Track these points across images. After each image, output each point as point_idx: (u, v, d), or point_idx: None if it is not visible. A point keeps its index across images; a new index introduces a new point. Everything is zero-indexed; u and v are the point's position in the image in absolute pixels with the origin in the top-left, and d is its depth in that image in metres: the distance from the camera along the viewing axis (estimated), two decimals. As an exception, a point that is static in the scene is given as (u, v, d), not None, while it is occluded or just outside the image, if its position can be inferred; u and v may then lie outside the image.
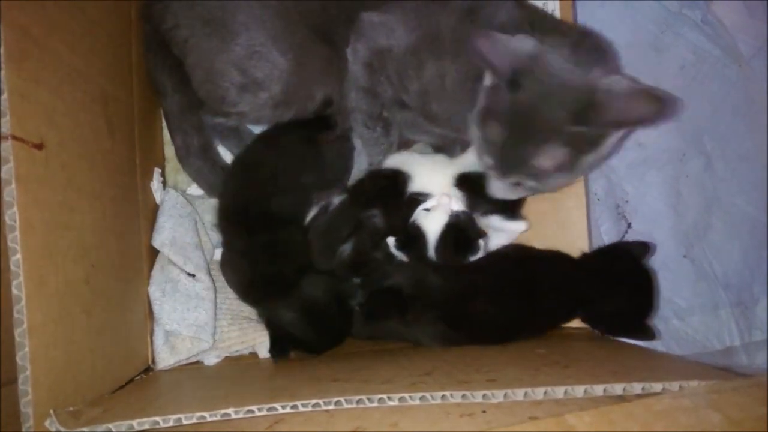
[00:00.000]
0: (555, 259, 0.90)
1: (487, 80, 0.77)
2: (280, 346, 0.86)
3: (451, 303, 0.84)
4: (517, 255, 0.90)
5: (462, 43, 0.81)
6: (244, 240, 0.87)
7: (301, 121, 0.93)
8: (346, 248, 0.89)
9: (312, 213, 0.94)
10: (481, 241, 0.84)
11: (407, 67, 0.85)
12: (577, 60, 0.73)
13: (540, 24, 0.80)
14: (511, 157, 0.75)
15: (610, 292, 0.86)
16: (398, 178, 0.91)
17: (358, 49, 0.88)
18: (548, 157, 0.74)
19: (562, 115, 0.71)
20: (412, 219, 0.87)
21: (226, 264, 0.91)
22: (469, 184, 0.89)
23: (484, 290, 0.84)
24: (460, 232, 0.84)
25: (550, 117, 0.71)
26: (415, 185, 0.90)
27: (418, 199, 0.88)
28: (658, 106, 0.68)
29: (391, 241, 0.88)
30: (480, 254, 0.85)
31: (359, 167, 0.97)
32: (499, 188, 0.82)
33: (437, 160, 0.95)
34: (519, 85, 0.71)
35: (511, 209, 0.89)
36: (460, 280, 0.84)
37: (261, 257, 0.86)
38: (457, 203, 0.85)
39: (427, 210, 0.86)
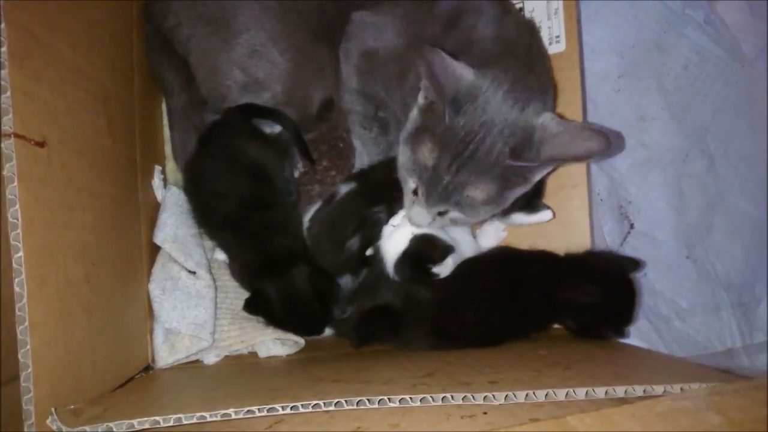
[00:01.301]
0: (540, 260, 0.89)
1: (421, 98, 0.75)
2: (255, 307, 0.86)
3: (442, 315, 0.83)
4: (503, 258, 0.90)
5: None
6: (229, 236, 0.87)
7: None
8: (354, 242, 0.88)
9: (314, 208, 0.94)
10: (436, 269, 0.81)
11: (391, 73, 0.85)
12: (514, 97, 0.72)
13: (489, 53, 0.80)
14: (443, 183, 0.73)
15: (591, 300, 0.84)
16: None
17: (348, 50, 0.88)
18: (481, 190, 0.73)
19: (501, 149, 0.71)
20: (382, 236, 0.85)
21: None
22: None
23: (474, 299, 0.83)
24: (417, 257, 0.81)
25: (488, 149, 0.71)
26: None
27: None
28: (601, 142, 0.68)
29: (370, 251, 0.86)
30: (443, 274, 0.82)
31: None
32: (419, 214, 0.79)
33: None
34: (460, 109, 0.70)
35: (532, 202, 0.88)
36: (450, 291, 0.83)
37: (249, 246, 0.86)
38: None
39: (394, 226, 0.84)
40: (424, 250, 0.81)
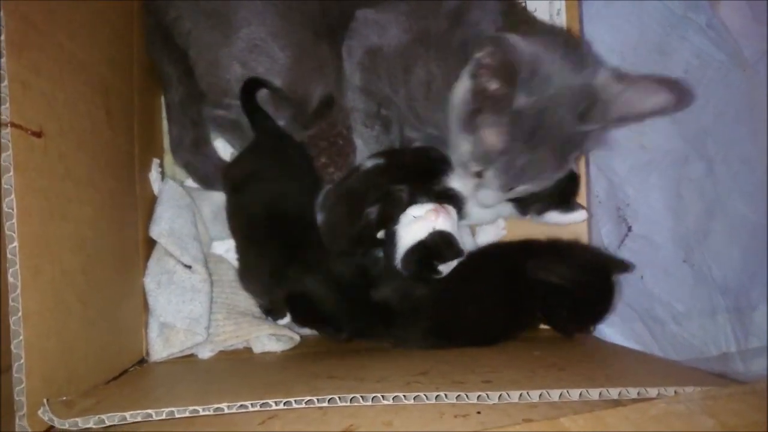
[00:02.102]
0: (526, 247, 0.88)
1: (466, 83, 0.74)
2: (302, 315, 0.83)
3: (439, 314, 0.83)
4: (495, 253, 0.90)
5: (449, 48, 0.81)
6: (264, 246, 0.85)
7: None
8: (373, 211, 0.86)
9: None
10: (442, 267, 0.81)
11: (396, 69, 0.85)
12: (571, 60, 0.71)
13: (531, 26, 0.79)
14: (518, 164, 0.73)
15: (559, 281, 0.82)
16: (442, 164, 0.87)
17: (352, 47, 0.88)
18: (555, 161, 0.73)
19: (570, 117, 0.70)
20: (399, 221, 0.84)
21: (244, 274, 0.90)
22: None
23: (471, 297, 0.83)
24: (429, 253, 0.81)
25: (559, 120, 0.70)
26: (453, 180, 0.87)
27: (448, 194, 0.86)
28: (670, 95, 0.67)
29: (381, 234, 0.86)
30: (441, 275, 0.82)
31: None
32: (489, 196, 0.79)
33: None
34: (526, 87, 0.69)
35: (567, 202, 0.87)
36: (448, 290, 0.83)
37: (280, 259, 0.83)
38: (446, 221, 0.81)
39: (414, 217, 0.83)
40: (440, 247, 0.81)
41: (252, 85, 0.90)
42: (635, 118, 0.74)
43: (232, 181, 0.91)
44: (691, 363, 1.09)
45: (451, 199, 0.86)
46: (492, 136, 0.73)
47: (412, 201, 0.86)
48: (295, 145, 0.95)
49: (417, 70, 0.83)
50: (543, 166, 0.74)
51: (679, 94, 0.67)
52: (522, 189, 0.78)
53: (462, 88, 0.75)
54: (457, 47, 0.80)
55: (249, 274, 0.89)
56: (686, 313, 1.13)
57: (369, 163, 0.91)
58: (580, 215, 0.87)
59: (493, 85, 0.70)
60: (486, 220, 0.93)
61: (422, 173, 0.88)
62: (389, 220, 0.85)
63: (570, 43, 0.75)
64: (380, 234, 0.86)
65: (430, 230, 0.81)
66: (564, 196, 0.87)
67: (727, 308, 1.14)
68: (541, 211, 0.87)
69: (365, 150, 0.95)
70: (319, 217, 0.91)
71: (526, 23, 0.82)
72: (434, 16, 0.83)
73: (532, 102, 0.69)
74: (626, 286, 1.13)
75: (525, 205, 0.87)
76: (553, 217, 0.87)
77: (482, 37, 0.72)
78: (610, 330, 1.09)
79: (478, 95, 0.72)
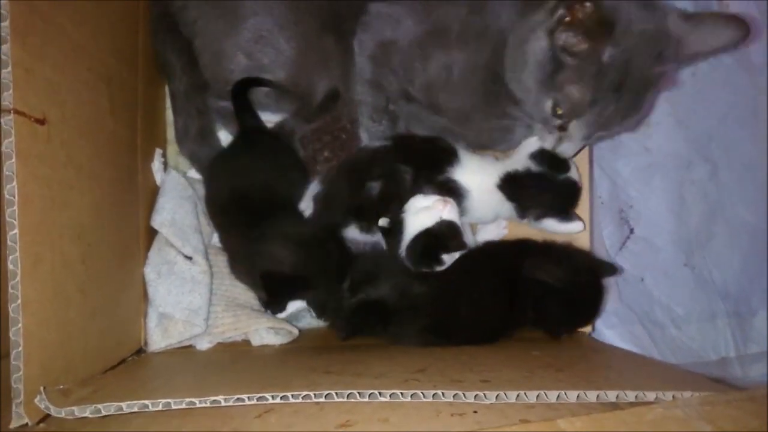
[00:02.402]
0: (521, 247, 0.88)
1: (542, 42, 0.74)
2: (276, 297, 0.83)
3: (437, 312, 0.82)
4: (491, 251, 0.90)
5: (469, 33, 0.81)
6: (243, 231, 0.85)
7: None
8: (375, 186, 0.86)
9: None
10: (446, 256, 0.81)
11: (413, 59, 0.84)
12: (643, 4, 0.72)
13: None
14: (605, 115, 0.74)
15: (551, 281, 0.83)
16: (449, 155, 0.88)
17: (363, 41, 0.87)
18: (638, 107, 0.74)
19: (649, 60, 0.71)
20: (402, 210, 0.84)
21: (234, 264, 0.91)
22: (517, 187, 0.86)
23: (469, 295, 0.83)
24: (435, 241, 0.81)
25: (640, 65, 0.71)
26: (457, 173, 0.87)
27: (449, 186, 0.86)
28: (738, 28, 0.70)
29: (383, 221, 0.85)
30: (444, 267, 0.82)
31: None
32: (570, 148, 0.81)
33: (485, 158, 0.92)
34: (611, 39, 0.70)
35: (566, 211, 0.87)
36: (446, 287, 0.82)
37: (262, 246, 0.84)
38: (452, 212, 0.82)
39: (422, 207, 0.83)
40: (446, 236, 0.81)
41: (246, 84, 0.91)
42: (705, 54, 0.78)
43: (209, 174, 0.93)
44: (690, 367, 1.09)
45: (452, 192, 0.86)
46: (578, 92, 0.73)
47: (415, 185, 0.86)
48: (277, 140, 0.96)
49: (436, 56, 0.83)
50: (627, 112, 0.75)
51: (745, 28, 0.70)
52: (598, 135, 0.80)
53: (537, 47, 0.74)
54: (480, 31, 0.81)
55: (235, 265, 0.90)
56: (686, 317, 1.13)
57: (377, 143, 0.91)
58: (577, 226, 0.86)
59: (581, 44, 0.71)
60: (486, 218, 0.92)
61: (428, 160, 0.88)
62: (389, 198, 0.85)
63: None
64: (382, 222, 0.85)
65: (437, 219, 0.81)
66: (564, 205, 0.87)
67: (727, 313, 1.13)
68: (539, 217, 0.86)
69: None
70: (318, 191, 0.90)
71: None
72: (451, 4, 0.83)
73: (618, 52, 0.70)
74: (626, 288, 1.13)
75: (524, 208, 0.87)
76: (550, 224, 0.86)
77: None
78: (609, 332, 1.09)
79: (564, 52, 0.72)
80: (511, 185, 0.86)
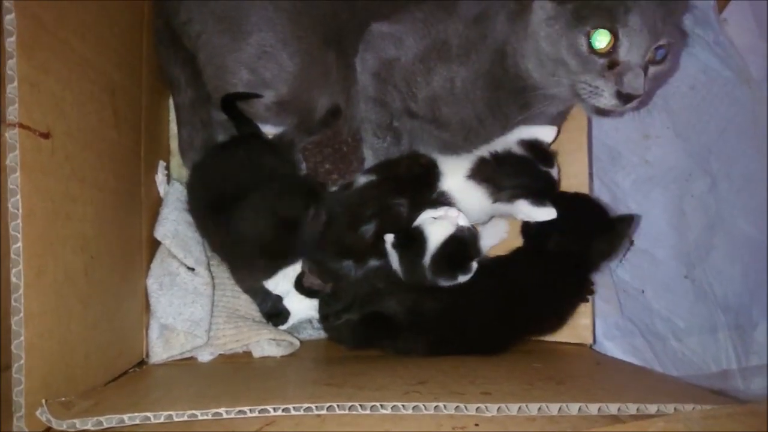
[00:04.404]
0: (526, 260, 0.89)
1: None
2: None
3: (444, 327, 0.82)
4: (497, 264, 0.89)
5: (469, 44, 0.83)
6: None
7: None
8: (369, 228, 0.86)
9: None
10: (475, 263, 0.81)
11: (416, 74, 0.86)
12: None
13: None
14: (648, 17, 0.70)
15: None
16: (433, 170, 0.88)
17: (366, 59, 0.88)
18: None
19: None
20: (416, 222, 0.84)
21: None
22: (491, 167, 0.85)
23: (477, 310, 0.83)
24: (461, 247, 0.81)
25: None
26: (443, 183, 0.87)
27: (441, 200, 0.86)
28: None
29: (389, 237, 0.84)
30: (470, 275, 0.82)
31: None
32: (636, 78, 0.72)
33: (460, 157, 0.90)
34: None
35: (539, 194, 0.82)
36: (454, 302, 0.82)
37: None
38: (464, 220, 0.83)
39: (434, 218, 0.83)
40: (470, 242, 0.81)
41: (231, 99, 0.92)
42: None
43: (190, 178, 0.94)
44: (691, 379, 1.08)
45: (446, 203, 0.86)
46: (605, 7, 0.70)
47: (413, 212, 0.86)
48: (271, 146, 0.96)
49: (438, 70, 0.84)
50: (663, 17, 0.72)
51: None
52: (656, 71, 0.76)
53: (550, 9, 0.75)
54: (478, 42, 0.82)
55: (235, 272, 0.91)
56: (687, 330, 1.13)
57: (362, 180, 0.90)
58: (549, 212, 0.81)
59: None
60: (479, 217, 0.91)
61: (418, 183, 0.88)
62: (386, 234, 0.85)
63: None
64: (389, 239, 0.84)
65: (456, 226, 0.81)
66: (539, 190, 0.83)
67: (728, 325, 1.13)
68: (512, 197, 0.82)
69: (374, 161, 0.94)
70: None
71: None
72: (450, 20, 0.84)
73: None
74: (627, 300, 1.13)
75: (498, 188, 0.84)
76: (523, 207, 0.81)
77: None
78: (610, 344, 1.09)
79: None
80: (483, 167, 0.85)
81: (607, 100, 0.74)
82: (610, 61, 0.72)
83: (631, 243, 1.15)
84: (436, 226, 0.82)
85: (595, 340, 0.97)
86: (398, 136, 0.93)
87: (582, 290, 0.92)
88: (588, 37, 0.71)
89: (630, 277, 1.14)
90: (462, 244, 0.81)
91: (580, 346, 0.94)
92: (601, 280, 1.06)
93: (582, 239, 0.85)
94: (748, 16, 1.15)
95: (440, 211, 0.83)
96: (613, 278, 1.12)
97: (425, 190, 0.87)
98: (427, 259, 0.81)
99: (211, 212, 0.86)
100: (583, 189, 0.98)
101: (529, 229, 0.89)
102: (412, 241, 0.83)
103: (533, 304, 0.85)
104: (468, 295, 0.83)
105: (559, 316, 0.90)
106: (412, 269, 0.83)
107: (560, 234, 0.84)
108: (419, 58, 0.85)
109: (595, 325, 0.98)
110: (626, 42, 0.71)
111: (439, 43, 0.84)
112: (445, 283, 0.82)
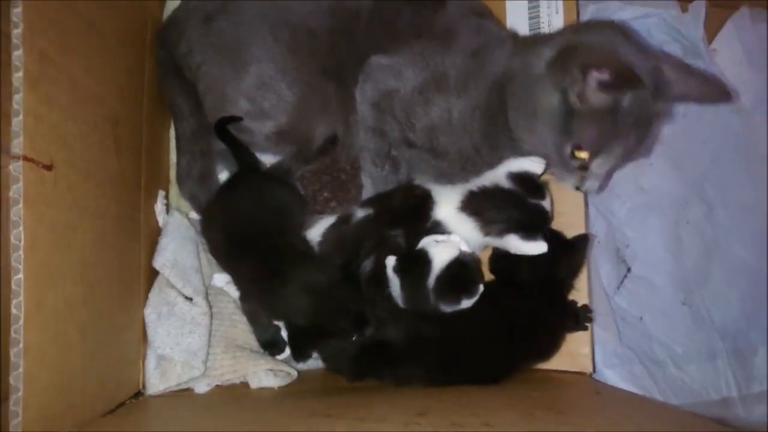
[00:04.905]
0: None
1: (553, 97, 0.77)
2: (299, 346, 0.84)
3: (444, 354, 0.82)
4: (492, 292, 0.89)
5: (467, 79, 0.85)
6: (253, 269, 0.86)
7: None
8: (367, 264, 0.87)
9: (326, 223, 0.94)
10: (481, 286, 0.82)
11: (414, 105, 0.87)
12: (639, 47, 0.80)
13: (558, 35, 0.86)
14: (624, 150, 0.79)
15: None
16: (427, 201, 0.89)
17: (365, 90, 0.90)
18: (647, 137, 0.80)
19: (649, 98, 0.76)
20: (420, 245, 0.85)
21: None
22: (480, 201, 0.86)
23: (477, 338, 0.83)
24: (465, 270, 0.82)
25: (646, 103, 0.77)
26: (438, 214, 0.88)
27: (436, 230, 0.87)
28: (720, 93, 0.84)
29: (390, 260, 0.84)
30: (475, 299, 0.82)
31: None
32: (595, 184, 0.84)
33: (454, 187, 0.91)
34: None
35: (529, 229, 0.83)
36: (455, 330, 0.82)
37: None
38: (465, 246, 0.83)
39: (437, 241, 0.84)
40: (473, 266, 0.82)
41: (223, 124, 0.93)
42: (691, 99, 0.92)
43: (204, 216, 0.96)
44: (692, 407, 1.07)
45: (442, 232, 0.87)
46: (599, 135, 0.78)
47: (409, 244, 0.86)
48: (271, 176, 0.97)
49: (436, 101, 0.86)
50: (638, 147, 0.80)
51: (727, 95, 0.85)
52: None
53: (547, 102, 0.79)
54: (476, 74, 0.86)
55: (247, 302, 0.91)
56: (685, 356, 1.12)
57: (359, 214, 0.91)
58: (539, 246, 0.82)
59: (602, 99, 0.75)
60: (473, 246, 0.91)
61: (413, 215, 0.89)
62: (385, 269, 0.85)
63: (624, 31, 0.82)
64: (390, 262, 0.84)
65: (458, 250, 0.82)
66: (530, 224, 0.84)
67: (727, 351, 1.13)
68: (502, 232, 0.83)
69: (372, 190, 0.95)
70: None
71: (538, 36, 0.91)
72: (448, 53, 0.87)
73: (632, 98, 0.75)
74: (626, 327, 1.12)
75: (488, 222, 0.85)
76: (512, 241, 0.83)
77: (565, 47, 0.78)
78: (609, 372, 1.08)
79: (582, 103, 0.76)
80: (473, 201, 0.86)
81: (569, 185, 0.86)
82: (582, 165, 0.81)
83: (629, 270, 1.16)
84: (441, 248, 0.83)
85: (594, 369, 0.97)
86: (396, 164, 0.94)
87: (565, 310, 0.92)
88: (574, 147, 0.79)
89: (628, 304, 1.14)
90: (466, 267, 0.82)
91: (580, 374, 0.94)
92: (600, 307, 1.06)
93: (547, 265, 0.86)
94: (737, 46, 1.18)
95: (443, 237, 0.84)
96: (611, 305, 1.12)
97: (420, 220, 0.88)
98: (431, 281, 0.82)
99: (240, 253, 0.87)
100: (579, 218, 0.99)
101: (496, 264, 0.91)
102: (414, 263, 0.83)
103: (522, 330, 0.85)
104: (465, 320, 0.83)
105: (551, 341, 0.90)
106: (415, 293, 0.83)
107: (526, 265, 0.85)
108: (418, 89, 0.87)
109: (594, 353, 0.97)
110: (600, 161, 0.80)
111: (438, 75, 0.86)
112: (448, 308, 0.83)
